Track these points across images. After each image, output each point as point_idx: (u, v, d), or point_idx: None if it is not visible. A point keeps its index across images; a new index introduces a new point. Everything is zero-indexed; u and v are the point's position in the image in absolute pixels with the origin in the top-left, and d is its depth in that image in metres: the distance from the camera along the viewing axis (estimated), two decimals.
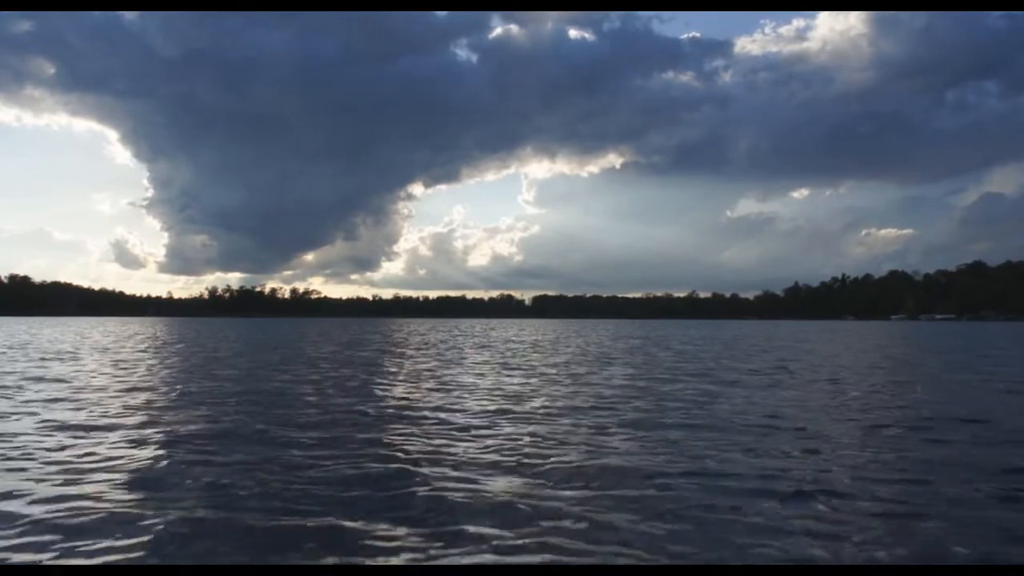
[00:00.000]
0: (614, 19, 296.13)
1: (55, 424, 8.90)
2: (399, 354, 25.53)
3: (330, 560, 4.36)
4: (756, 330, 73.15)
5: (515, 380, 15.58)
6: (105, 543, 4.56)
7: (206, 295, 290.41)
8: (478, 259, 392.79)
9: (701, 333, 58.31)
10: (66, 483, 5.99)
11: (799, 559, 4.42)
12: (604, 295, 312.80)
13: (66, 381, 14.35)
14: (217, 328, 68.02)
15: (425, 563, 4.32)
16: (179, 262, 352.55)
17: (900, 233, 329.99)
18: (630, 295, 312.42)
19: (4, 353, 23.97)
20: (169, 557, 4.40)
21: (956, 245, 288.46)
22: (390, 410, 10.61)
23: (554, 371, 18.05)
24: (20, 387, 13.15)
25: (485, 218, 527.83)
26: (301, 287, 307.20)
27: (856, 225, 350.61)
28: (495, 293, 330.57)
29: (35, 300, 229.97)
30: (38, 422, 9.04)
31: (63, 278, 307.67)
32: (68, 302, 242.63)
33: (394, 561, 4.35)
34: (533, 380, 15.56)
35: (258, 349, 27.82)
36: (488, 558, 4.40)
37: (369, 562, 4.34)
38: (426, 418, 9.83)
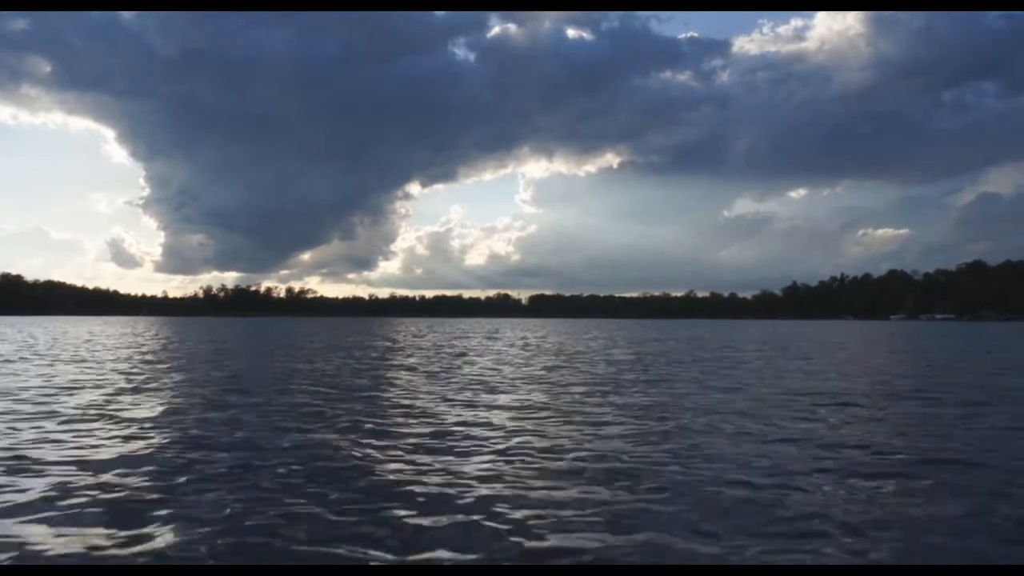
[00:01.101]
0: (612, 19, 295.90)
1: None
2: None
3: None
4: (784, 331, 68.92)
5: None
6: None
7: (201, 294, 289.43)
8: (475, 258, 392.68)
9: (745, 336, 50.38)
10: None
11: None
12: (601, 295, 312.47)
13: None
14: (208, 329, 66.54)
15: (425, 563, 4.20)
16: (176, 261, 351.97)
17: (897, 233, 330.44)
18: (627, 295, 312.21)
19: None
20: None
21: (953, 245, 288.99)
22: None
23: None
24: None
25: (482, 218, 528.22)
26: (297, 286, 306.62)
27: (853, 225, 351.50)
28: (491, 292, 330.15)
29: (28, 299, 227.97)
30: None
31: (60, 277, 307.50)
32: (62, 301, 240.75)
33: None
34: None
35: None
36: None
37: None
38: None
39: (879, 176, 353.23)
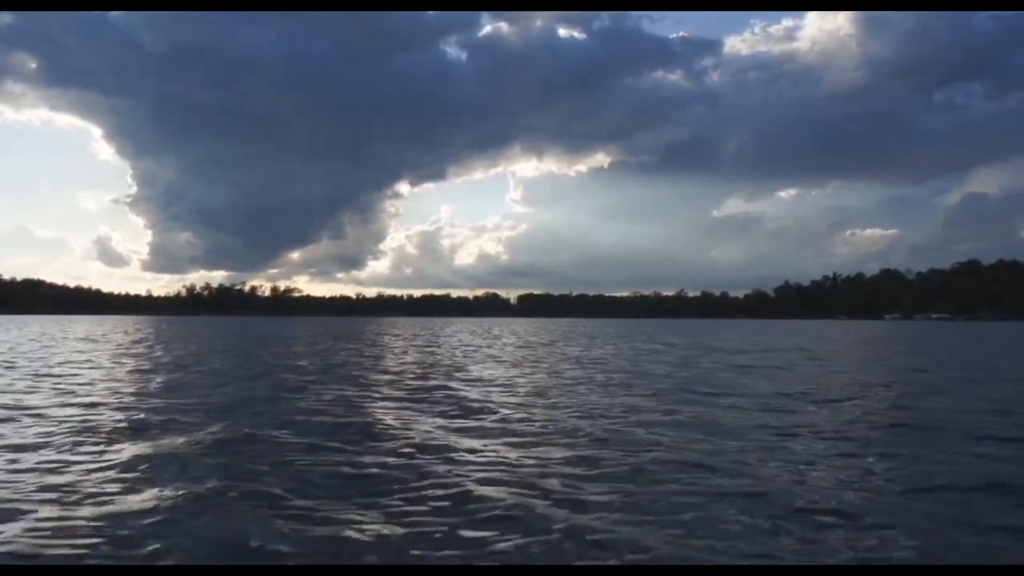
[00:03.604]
0: (604, 18, 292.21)
1: None
2: None
3: None
4: (811, 331, 67.28)
5: None
6: None
7: (185, 293, 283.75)
8: (465, 258, 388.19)
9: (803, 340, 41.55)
10: None
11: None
12: (591, 294, 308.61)
13: None
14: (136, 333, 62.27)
15: (425, 563, 4.18)
16: (163, 260, 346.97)
17: (885, 233, 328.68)
18: (617, 294, 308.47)
19: None
20: None
21: (940, 246, 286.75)
22: None
23: None
24: None
25: (472, 217, 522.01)
26: (283, 285, 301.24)
27: (842, 225, 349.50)
28: (480, 292, 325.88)
29: (5, 298, 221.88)
30: None
31: (46, 276, 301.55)
32: (41, 300, 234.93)
33: None
34: None
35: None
36: None
37: None
38: None
39: (868, 176, 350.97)
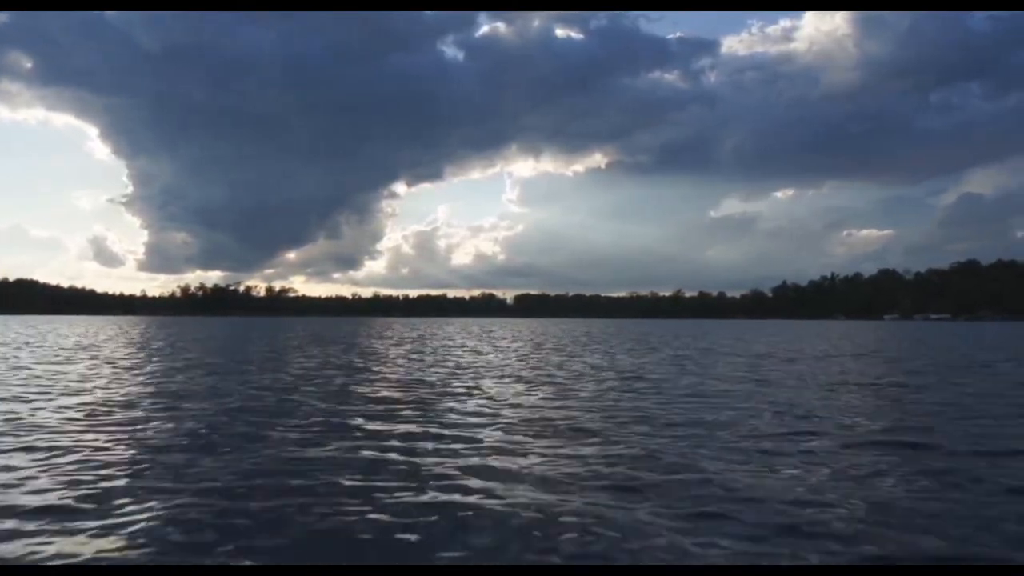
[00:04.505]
0: (601, 18, 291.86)
1: None
2: None
3: None
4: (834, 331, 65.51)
5: None
6: None
7: (179, 293, 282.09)
8: (461, 258, 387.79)
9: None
10: None
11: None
12: (587, 294, 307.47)
13: None
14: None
15: (424, 563, 4.10)
16: (159, 260, 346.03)
17: (881, 233, 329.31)
18: (614, 294, 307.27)
19: None
20: None
21: (936, 246, 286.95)
22: None
23: None
24: None
25: (469, 217, 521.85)
26: (279, 285, 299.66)
27: (838, 225, 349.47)
28: (476, 292, 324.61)
29: None
30: None
31: (41, 276, 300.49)
32: (34, 300, 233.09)
33: None
34: None
35: None
36: None
37: None
38: None
39: (865, 176, 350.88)
